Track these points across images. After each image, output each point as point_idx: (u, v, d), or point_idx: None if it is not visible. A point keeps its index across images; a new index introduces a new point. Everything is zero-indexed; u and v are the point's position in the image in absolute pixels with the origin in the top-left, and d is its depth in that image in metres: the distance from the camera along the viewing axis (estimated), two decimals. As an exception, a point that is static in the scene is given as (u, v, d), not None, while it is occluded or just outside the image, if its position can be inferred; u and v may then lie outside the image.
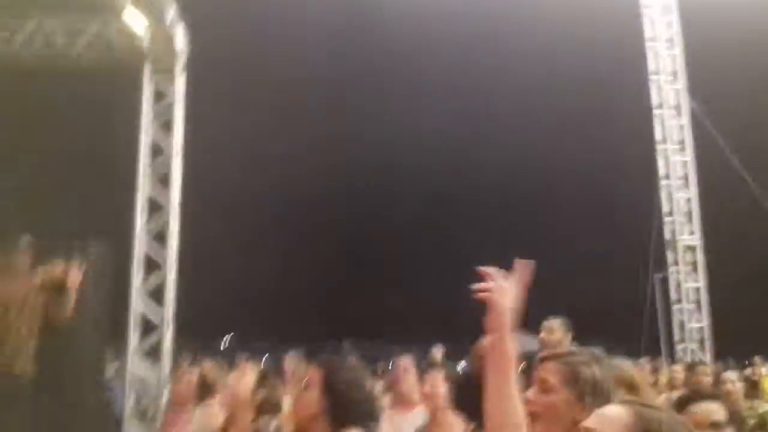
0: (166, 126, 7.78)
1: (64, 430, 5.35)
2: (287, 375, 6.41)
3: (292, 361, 6.65)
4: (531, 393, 2.00)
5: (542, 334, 4.79)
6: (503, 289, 1.89)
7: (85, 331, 5.84)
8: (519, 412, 1.85)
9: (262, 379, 3.46)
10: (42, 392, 5.28)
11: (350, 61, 14.45)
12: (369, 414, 2.82)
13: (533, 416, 1.94)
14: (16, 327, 5.29)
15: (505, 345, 1.88)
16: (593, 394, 1.93)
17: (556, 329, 4.75)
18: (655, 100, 11.00)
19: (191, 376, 4.80)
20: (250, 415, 3.34)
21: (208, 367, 5.44)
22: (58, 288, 5.57)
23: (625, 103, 11.97)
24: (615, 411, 1.46)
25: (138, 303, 7.18)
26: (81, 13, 7.84)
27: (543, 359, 2.06)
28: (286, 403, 5.01)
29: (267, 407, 3.45)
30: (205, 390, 4.82)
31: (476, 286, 1.90)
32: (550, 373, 2.01)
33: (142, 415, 6.67)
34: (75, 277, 5.61)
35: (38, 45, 7.75)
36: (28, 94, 9.86)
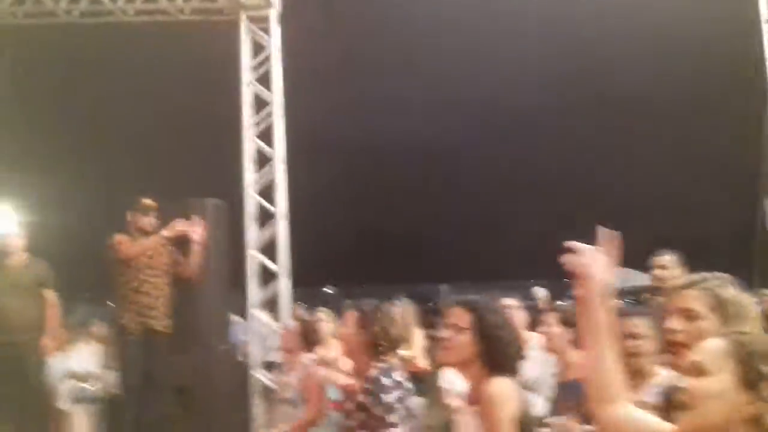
0: (267, 78, 7.86)
1: (199, 380, 5.68)
2: (398, 319, 6.55)
3: (401, 306, 6.77)
4: (674, 323, 1.94)
5: (656, 271, 4.67)
6: (592, 260, 1.78)
7: (211, 284, 6.12)
8: (616, 381, 1.77)
9: (367, 322, 3.56)
10: (177, 345, 5.60)
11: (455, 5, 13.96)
12: (518, 356, 2.82)
13: (679, 346, 1.90)
14: (150, 284, 5.59)
15: (597, 316, 1.77)
16: (737, 317, 1.91)
17: (669, 265, 4.62)
18: (764, 12, 10.25)
19: (296, 324, 5.01)
20: (367, 359, 3.44)
21: (315, 315, 5.64)
22: (185, 245, 5.83)
23: (734, 15, 11.16)
24: (715, 342, 1.54)
25: (254, 255, 7.42)
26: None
27: (680, 288, 2.01)
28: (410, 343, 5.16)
29: (381, 348, 3.55)
30: (311, 338, 5.00)
31: (565, 258, 1.81)
32: (693, 300, 1.94)
33: (263, 363, 6.99)
34: (199, 233, 5.86)
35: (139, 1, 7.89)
36: (128, 52, 10.11)
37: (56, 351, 6.08)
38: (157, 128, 12.19)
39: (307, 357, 4.88)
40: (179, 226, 5.79)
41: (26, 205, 6.49)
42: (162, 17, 8.08)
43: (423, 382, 4.17)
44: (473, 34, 15.02)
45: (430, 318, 5.87)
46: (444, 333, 2.85)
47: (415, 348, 5.34)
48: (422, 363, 5.23)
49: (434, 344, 4.68)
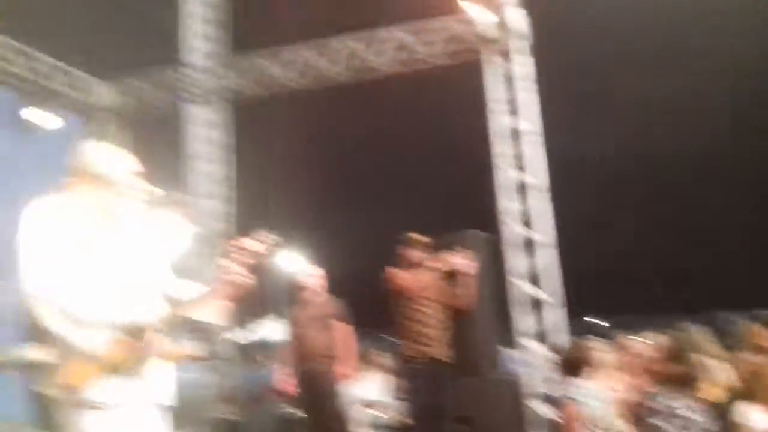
0: (516, 109, 7.98)
1: (479, 410, 5.84)
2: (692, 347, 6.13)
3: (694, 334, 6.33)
4: None
5: None
6: None
7: (482, 314, 6.29)
8: None
9: (675, 353, 3.38)
10: (457, 374, 5.81)
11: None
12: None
13: None
14: (426, 315, 5.87)
15: None
16: None
17: None
18: None
19: (565, 354, 4.89)
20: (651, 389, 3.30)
21: (586, 344, 5.47)
22: (457, 277, 6.04)
23: None
24: None
25: (517, 284, 7.50)
26: (423, 12, 8.39)
27: None
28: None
29: (679, 380, 3.36)
30: (581, 367, 4.85)
31: None
32: None
33: (537, 394, 6.97)
34: (470, 265, 6.03)
35: (389, 51, 8.51)
36: (387, 100, 10.85)
37: (351, 379, 6.60)
38: (418, 167, 12.97)
39: (572, 387, 4.79)
40: (450, 258, 6.01)
41: (314, 248, 7.22)
42: (418, 65, 8.61)
43: (716, 415, 3.88)
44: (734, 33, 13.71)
45: (722, 346, 5.43)
46: (753, 358, 2.67)
47: (710, 378, 4.97)
48: (715, 394, 4.85)
49: (732, 373, 4.34)
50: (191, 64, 9.49)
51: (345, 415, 6.43)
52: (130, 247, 2.77)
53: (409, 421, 5.79)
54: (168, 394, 2.83)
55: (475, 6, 7.99)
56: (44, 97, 8.24)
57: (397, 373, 6.36)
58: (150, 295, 2.74)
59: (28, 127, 8.03)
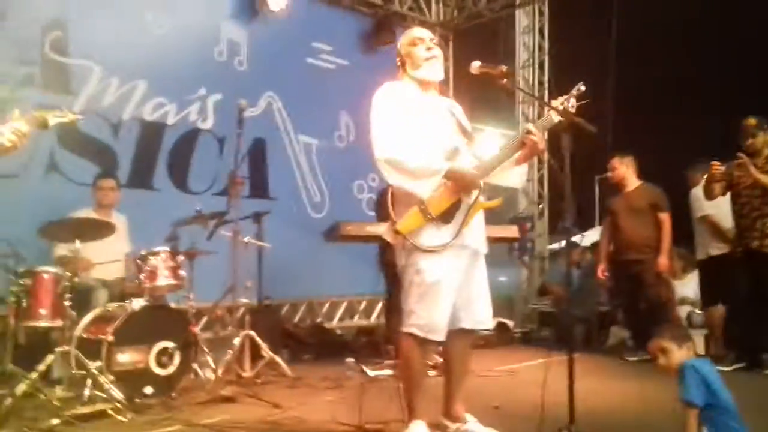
0: None
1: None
2: None
3: None
4: None
5: None
6: None
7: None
8: None
9: None
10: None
11: None
12: None
13: None
14: (749, 206, 5.31)
15: None
16: None
17: None
18: None
19: None
20: None
21: None
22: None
23: None
24: None
25: None
26: None
27: None
28: None
29: None
30: None
31: None
32: None
33: None
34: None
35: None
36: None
37: (670, 272, 6.33)
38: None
39: None
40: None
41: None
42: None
43: None
44: None
45: None
46: None
47: None
48: None
49: None
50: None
51: (668, 305, 6.21)
52: (444, 117, 3.26)
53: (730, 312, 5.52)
54: (483, 241, 3.22)
55: None
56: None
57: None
58: (461, 154, 3.15)
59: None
